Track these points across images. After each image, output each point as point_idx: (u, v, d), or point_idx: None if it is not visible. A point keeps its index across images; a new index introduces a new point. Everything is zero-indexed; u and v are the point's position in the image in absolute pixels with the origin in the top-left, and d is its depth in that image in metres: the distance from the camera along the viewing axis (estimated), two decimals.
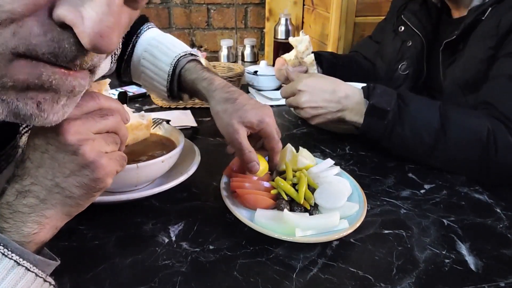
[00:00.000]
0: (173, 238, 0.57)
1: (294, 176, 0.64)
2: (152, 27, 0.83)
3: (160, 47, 0.77)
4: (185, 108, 1.08)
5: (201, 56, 1.38)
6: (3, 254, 0.35)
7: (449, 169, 0.77)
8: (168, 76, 0.75)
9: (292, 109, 0.89)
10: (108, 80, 0.53)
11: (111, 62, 0.77)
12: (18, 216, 0.37)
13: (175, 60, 0.75)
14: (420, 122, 0.75)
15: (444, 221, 0.62)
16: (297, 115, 0.98)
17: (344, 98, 0.80)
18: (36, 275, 0.37)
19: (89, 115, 0.39)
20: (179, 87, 0.77)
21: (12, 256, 0.36)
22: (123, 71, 0.82)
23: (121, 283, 0.49)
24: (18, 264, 0.36)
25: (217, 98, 0.68)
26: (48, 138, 0.37)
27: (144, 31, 0.81)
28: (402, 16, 1.05)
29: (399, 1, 1.09)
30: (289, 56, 1.07)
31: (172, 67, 0.75)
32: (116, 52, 0.77)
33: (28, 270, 0.36)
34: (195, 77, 0.73)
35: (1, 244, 0.36)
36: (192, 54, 0.78)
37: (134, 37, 0.79)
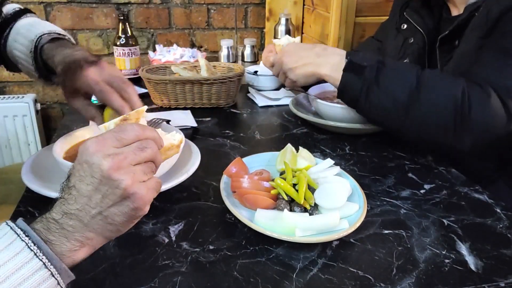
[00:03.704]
0: (173, 238, 0.57)
1: (294, 176, 0.64)
2: (32, 16, 0.83)
3: (28, 29, 0.77)
4: (185, 108, 1.08)
5: (201, 56, 1.38)
6: (35, 254, 0.37)
7: (425, 135, 0.77)
8: (30, 52, 0.74)
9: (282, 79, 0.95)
10: (145, 108, 0.58)
11: None
12: (63, 232, 0.40)
13: (37, 38, 0.74)
14: (396, 81, 0.76)
15: (444, 221, 0.62)
16: (296, 115, 0.98)
17: (322, 49, 0.86)
18: (58, 283, 0.38)
19: (129, 148, 0.43)
20: (46, 67, 0.76)
21: (42, 258, 0.37)
22: (3, 56, 0.82)
23: (121, 283, 0.49)
24: (46, 267, 0.37)
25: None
26: (93, 172, 0.40)
27: (22, 18, 0.81)
28: (405, 13, 1.05)
29: (401, 0, 1.09)
30: (279, 42, 1.06)
31: (33, 45, 0.74)
32: None
33: (53, 275, 0.38)
34: (51, 58, 0.72)
35: (36, 245, 0.38)
36: (59, 34, 0.77)
37: (12, 23, 0.80)
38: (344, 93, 0.82)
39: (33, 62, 0.75)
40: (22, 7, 0.85)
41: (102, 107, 0.70)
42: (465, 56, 0.84)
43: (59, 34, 0.77)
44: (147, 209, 0.43)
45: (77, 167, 0.42)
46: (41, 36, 0.75)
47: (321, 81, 0.95)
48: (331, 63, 0.83)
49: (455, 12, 0.95)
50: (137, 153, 0.42)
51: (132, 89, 0.66)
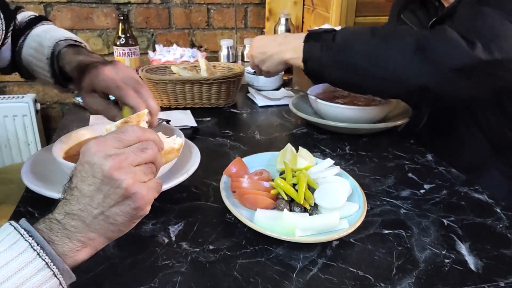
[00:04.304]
0: (173, 238, 0.57)
1: (294, 176, 0.64)
2: (47, 24, 0.84)
3: (45, 36, 0.78)
4: (185, 108, 1.08)
5: (201, 56, 1.38)
6: (38, 254, 0.38)
7: (393, 80, 0.78)
8: (47, 59, 0.75)
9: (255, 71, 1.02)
10: (146, 111, 0.58)
11: None
12: (66, 232, 0.40)
13: (53, 45, 0.75)
14: (353, 35, 0.82)
15: (444, 221, 0.62)
16: (296, 115, 0.98)
17: (283, 38, 0.93)
18: (60, 283, 0.39)
19: (130, 149, 0.43)
20: (62, 73, 0.76)
21: (45, 258, 0.38)
22: (17, 63, 0.83)
23: (121, 283, 0.49)
24: (48, 267, 0.38)
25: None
26: (94, 172, 0.41)
27: (38, 26, 0.82)
28: (402, 15, 1.05)
29: (399, 2, 1.10)
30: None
31: (50, 51, 0.74)
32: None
33: (55, 276, 0.38)
34: (69, 63, 0.73)
35: (39, 245, 0.38)
36: (75, 41, 0.77)
37: (28, 31, 0.81)
38: (308, 62, 0.85)
39: (49, 69, 0.75)
40: (37, 15, 0.85)
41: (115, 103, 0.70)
42: None
43: (75, 41, 0.78)
44: (148, 209, 0.43)
45: (79, 168, 0.42)
46: (57, 42, 0.75)
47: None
48: (292, 47, 0.88)
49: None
50: (138, 154, 0.43)
51: (146, 91, 0.66)
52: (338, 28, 0.89)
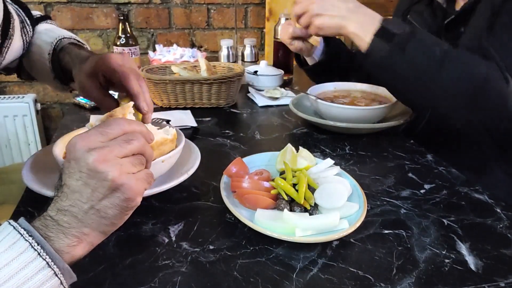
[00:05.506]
0: (173, 238, 0.57)
1: (294, 176, 0.64)
2: (49, 23, 0.85)
3: (48, 33, 0.79)
4: (185, 108, 1.08)
5: (201, 56, 1.38)
6: (38, 253, 0.38)
7: (436, 107, 0.80)
8: (48, 55, 0.75)
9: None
10: (131, 104, 0.57)
11: (23, 48, 0.78)
12: (60, 228, 0.41)
13: (56, 41, 0.75)
14: (422, 52, 0.77)
15: (444, 221, 0.62)
16: (296, 114, 0.98)
17: (356, 6, 0.82)
18: (61, 283, 0.39)
19: (115, 141, 0.43)
20: (64, 71, 0.76)
21: (45, 257, 0.38)
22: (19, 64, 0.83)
23: (121, 283, 0.49)
24: (49, 266, 0.38)
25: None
26: (80, 167, 0.41)
27: (42, 24, 0.83)
28: (408, 17, 1.05)
29: (404, 4, 1.10)
30: None
31: (52, 47, 0.75)
32: (27, 38, 0.77)
33: (56, 275, 0.38)
34: (70, 54, 0.73)
35: (39, 245, 0.38)
36: (78, 41, 0.78)
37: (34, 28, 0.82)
38: (369, 57, 0.81)
39: (50, 65, 0.76)
40: (42, 14, 0.87)
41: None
42: (473, 39, 0.84)
43: (78, 41, 0.79)
44: (139, 200, 0.43)
45: (66, 164, 0.42)
46: (60, 39, 0.76)
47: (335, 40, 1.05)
48: (361, 21, 0.81)
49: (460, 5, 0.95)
50: (123, 146, 0.43)
51: (145, 86, 0.66)
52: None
